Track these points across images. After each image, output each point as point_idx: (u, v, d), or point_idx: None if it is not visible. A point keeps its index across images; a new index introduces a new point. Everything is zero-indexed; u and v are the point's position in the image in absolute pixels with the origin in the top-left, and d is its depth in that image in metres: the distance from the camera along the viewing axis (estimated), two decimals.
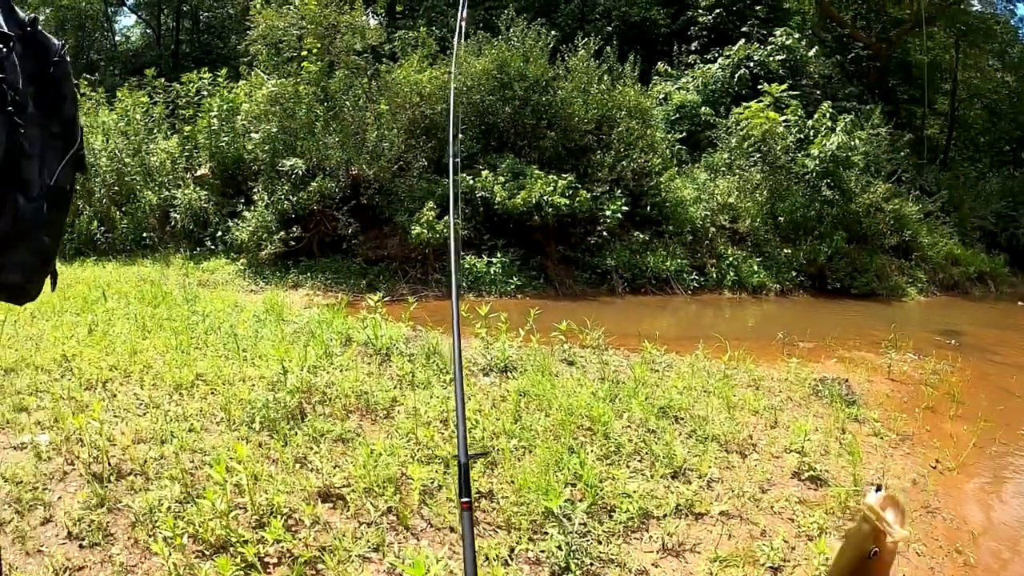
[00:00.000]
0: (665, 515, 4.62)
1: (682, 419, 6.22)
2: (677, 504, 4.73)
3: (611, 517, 4.53)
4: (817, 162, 18.56)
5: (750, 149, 20.02)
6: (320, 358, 7.05)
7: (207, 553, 4.06)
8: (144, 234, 17.21)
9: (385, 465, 4.82)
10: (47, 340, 7.88)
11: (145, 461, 4.96)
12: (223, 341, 7.84)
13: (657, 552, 4.26)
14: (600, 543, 4.26)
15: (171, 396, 6.21)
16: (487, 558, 4.04)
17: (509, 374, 7.22)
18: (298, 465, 4.98)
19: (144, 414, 5.83)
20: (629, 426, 5.90)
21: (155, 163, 18.18)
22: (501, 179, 15.92)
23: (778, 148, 19.24)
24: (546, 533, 4.29)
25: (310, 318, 9.11)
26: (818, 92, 24.49)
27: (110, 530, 4.28)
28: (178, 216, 16.94)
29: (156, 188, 17.75)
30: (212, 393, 6.23)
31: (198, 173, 18.16)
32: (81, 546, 4.15)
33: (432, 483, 4.77)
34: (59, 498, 4.61)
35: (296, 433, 5.36)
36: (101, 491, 4.56)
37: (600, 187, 16.77)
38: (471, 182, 15.91)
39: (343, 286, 14.37)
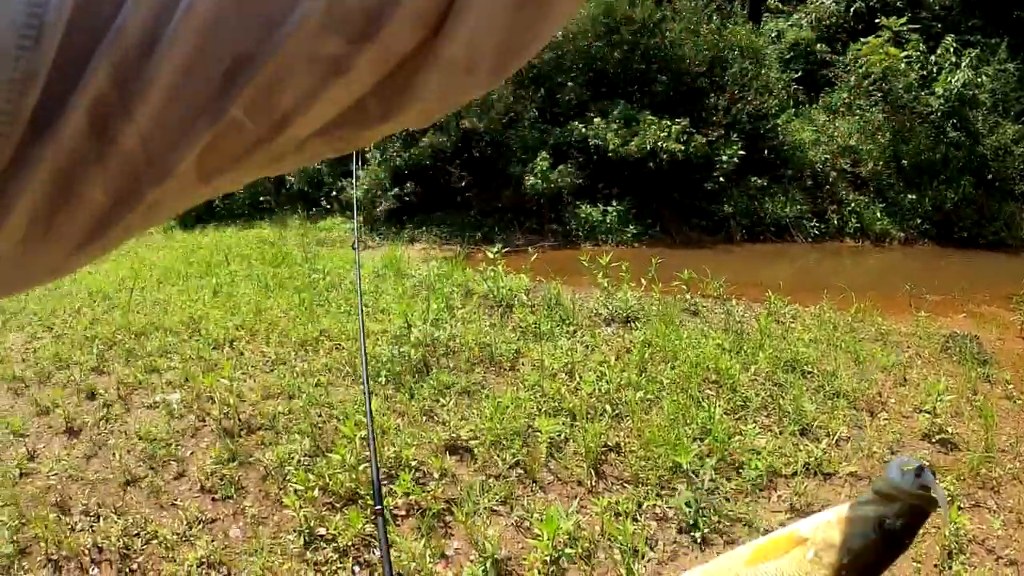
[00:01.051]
0: (794, 474, 4.35)
1: (810, 373, 5.90)
2: (806, 463, 4.44)
3: (739, 474, 4.29)
4: (942, 101, 17.33)
5: (870, 88, 18.90)
6: (441, 311, 6.97)
7: (337, 505, 4.04)
8: (260, 198, 17.59)
9: (512, 418, 4.70)
10: (174, 304, 8.05)
11: (274, 416, 4.97)
12: (344, 297, 7.85)
13: (785, 512, 4.00)
14: (728, 500, 4.04)
15: (297, 352, 6.23)
16: (616, 514, 3.87)
17: (632, 324, 7.02)
18: (425, 418, 4.90)
19: (271, 370, 5.86)
20: (756, 379, 5.62)
21: None
22: (613, 126, 15.49)
23: (900, 86, 18.10)
24: (674, 489, 4.11)
25: (429, 272, 9.07)
26: (939, 25, 23.04)
27: (241, 483, 4.31)
28: (292, 179, 17.19)
29: None
30: (337, 348, 6.22)
31: None
32: (214, 499, 4.19)
33: (559, 436, 4.62)
34: (191, 453, 4.66)
35: (422, 386, 5.28)
36: (232, 446, 4.58)
37: (715, 131, 16.19)
38: (583, 130, 15.52)
39: (459, 239, 14.34)
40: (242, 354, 6.26)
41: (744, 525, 3.84)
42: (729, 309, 7.80)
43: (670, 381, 5.46)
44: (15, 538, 3.97)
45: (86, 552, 3.83)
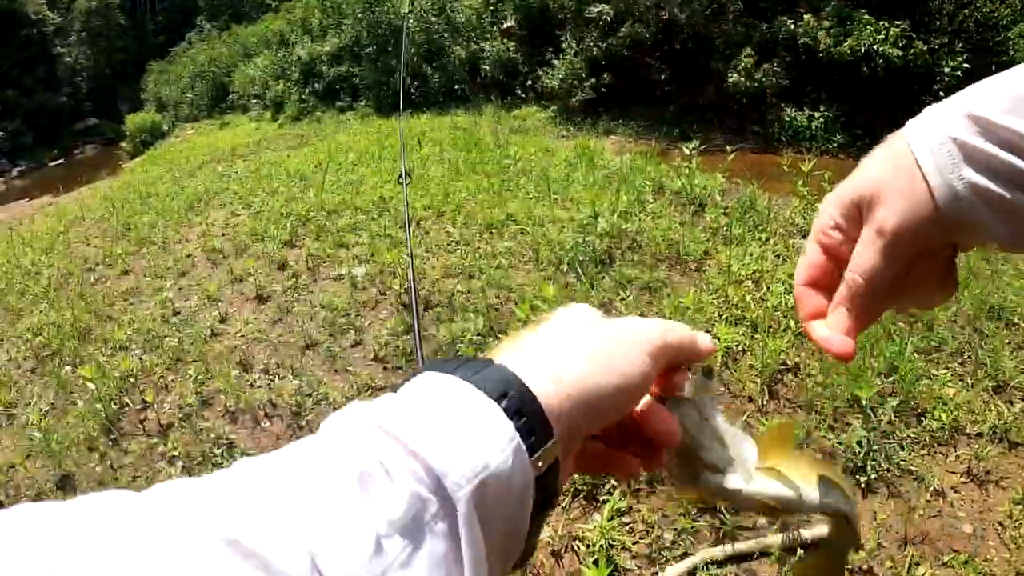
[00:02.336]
0: (979, 434, 3.87)
1: (1015, 325, 5.28)
2: (994, 425, 3.90)
3: (920, 422, 3.87)
4: None
5: None
6: (631, 204, 6.74)
7: None
8: (455, 86, 17.71)
9: (691, 321, 4.47)
10: (367, 184, 8.19)
11: (452, 294, 4.95)
12: (534, 184, 7.74)
13: (960, 475, 3.58)
14: (903, 449, 3.67)
15: (481, 235, 6.19)
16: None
17: None
18: (602, 310, 4.75)
19: (454, 251, 5.84)
20: (955, 321, 5.06)
21: (461, 20, 18.68)
22: (825, 24, 14.36)
23: None
24: (848, 424, 3.78)
25: (622, 164, 8.80)
26: None
27: (413, 356, 4.31)
28: (487, 68, 17.19)
29: (464, 43, 18.22)
30: (521, 233, 6.13)
31: (504, 26, 18.28)
32: (385, 368, 4.24)
33: (736, 346, 4.36)
34: (369, 324, 4.72)
35: (603, 277, 5.12)
36: (408, 319, 4.58)
37: (937, 39, 14.81)
38: (791, 26, 14.43)
39: (655, 134, 13.91)
40: (427, 233, 6.28)
41: (914, 480, 3.47)
42: None
43: None
44: (200, 390, 4.21)
45: (261, 407, 3.98)
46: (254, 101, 25.14)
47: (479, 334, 4.38)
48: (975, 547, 3.07)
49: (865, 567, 3.00)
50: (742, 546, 3.03)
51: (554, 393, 0.51)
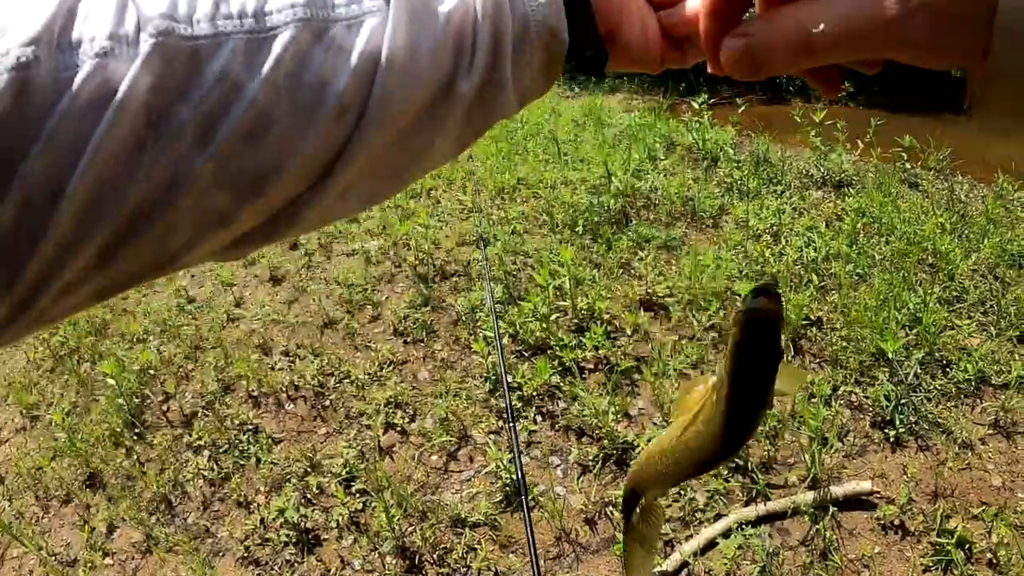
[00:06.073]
0: (1005, 385, 3.81)
1: None
2: (1020, 376, 3.86)
3: (945, 373, 3.82)
4: None
5: None
6: (643, 162, 6.67)
7: (525, 354, 3.97)
8: None
9: (711, 278, 4.43)
10: None
11: (468, 263, 4.93)
12: (543, 146, 7.67)
13: (987, 427, 3.54)
14: (929, 401, 3.63)
15: (493, 200, 6.14)
16: (809, 395, 3.57)
17: (844, 190, 6.49)
18: (621, 271, 4.72)
19: (467, 218, 5.81)
20: (977, 270, 4.97)
21: None
22: None
23: None
24: (874, 377, 3.74)
25: (631, 121, 8.71)
26: None
27: (433, 327, 4.33)
28: None
29: None
30: (534, 197, 6.08)
31: None
32: (405, 342, 4.23)
33: None
34: (387, 298, 4.70)
35: (620, 238, 5.07)
36: (426, 291, 4.58)
37: None
38: None
39: (661, 88, 13.71)
40: (438, 202, 6.24)
41: (942, 432, 3.43)
42: (952, 185, 7.07)
43: (883, 257, 4.98)
44: (220, 377, 4.20)
45: (283, 389, 3.97)
46: None
47: (498, 302, 4.36)
48: (1004, 499, 3.06)
49: (897, 522, 2.99)
50: (774, 505, 3.02)
51: None
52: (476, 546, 3.10)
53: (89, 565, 3.34)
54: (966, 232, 5.42)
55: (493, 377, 3.80)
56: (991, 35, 0.39)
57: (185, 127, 0.44)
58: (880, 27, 0.42)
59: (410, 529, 3.20)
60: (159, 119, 0.43)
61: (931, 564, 2.83)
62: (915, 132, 7.61)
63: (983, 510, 3.00)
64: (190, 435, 3.84)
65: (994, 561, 2.82)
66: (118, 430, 3.98)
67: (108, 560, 3.38)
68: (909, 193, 6.58)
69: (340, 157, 0.50)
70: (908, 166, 7.18)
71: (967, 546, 2.85)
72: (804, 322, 4.12)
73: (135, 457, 3.82)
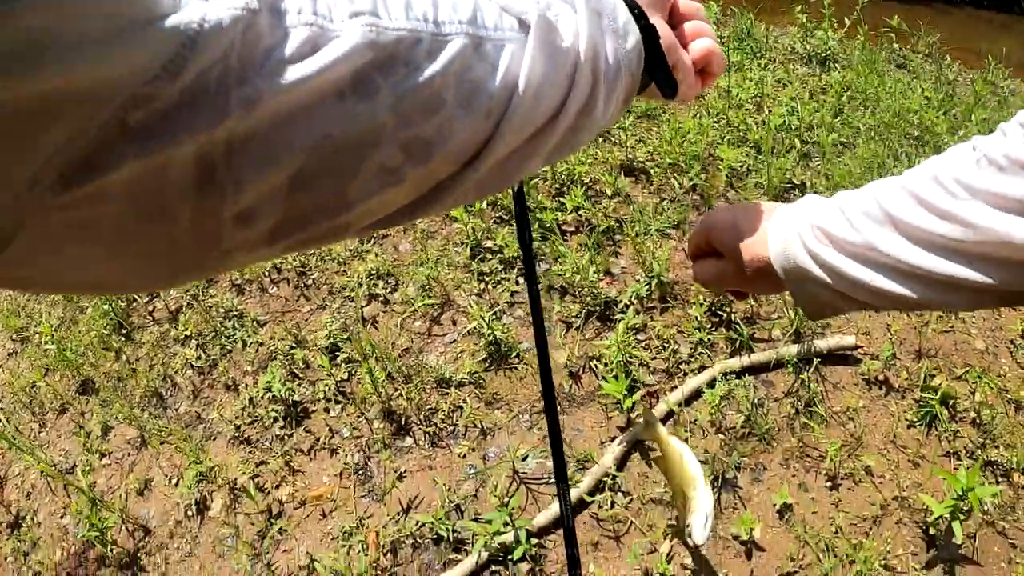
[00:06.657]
0: None
1: None
2: None
3: None
4: None
5: None
6: None
7: (505, 218, 3.91)
8: None
9: (692, 143, 4.37)
10: None
11: None
12: None
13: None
14: None
15: None
16: None
17: (830, 66, 6.40)
18: (601, 139, 4.64)
19: None
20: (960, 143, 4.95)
21: None
22: None
23: None
24: None
25: None
26: None
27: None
28: None
29: None
30: None
31: None
32: None
33: (741, 167, 4.27)
34: None
35: None
36: None
37: None
38: None
39: None
40: None
41: None
42: (941, 67, 6.98)
43: (867, 128, 4.92)
44: None
45: (266, 274, 3.89)
46: None
47: None
48: (988, 363, 3.08)
49: (881, 377, 3.01)
50: (758, 357, 3.02)
51: None
52: (462, 404, 3.09)
53: (88, 467, 3.33)
54: (953, 111, 5.39)
55: (474, 242, 3.75)
56: (780, 280, 0.92)
57: (380, 91, 0.52)
58: (727, 281, 1.03)
59: (396, 393, 3.18)
60: (359, 81, 0.52)
61: (915, 419, 2.86)
62: (905, 16, 7.49)
63: (967, 371, 3.02)
64: (176, 329, 3.77)
65: (978, 421, 2.85)
66: (106, 333, 3.90)
67: (105, 460, 3.36)
68: (896, 72, 6.53)
69: (480, 154, 0.60)
70: (896, 46, 7.10)
71: (951, 403, 2.88)
72: (787, 185, 4.10)
73: (124, 358, 3.75)
